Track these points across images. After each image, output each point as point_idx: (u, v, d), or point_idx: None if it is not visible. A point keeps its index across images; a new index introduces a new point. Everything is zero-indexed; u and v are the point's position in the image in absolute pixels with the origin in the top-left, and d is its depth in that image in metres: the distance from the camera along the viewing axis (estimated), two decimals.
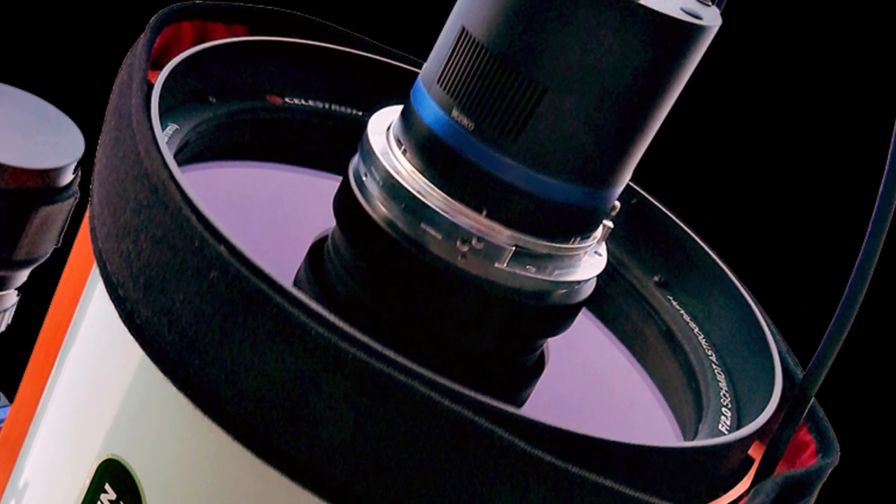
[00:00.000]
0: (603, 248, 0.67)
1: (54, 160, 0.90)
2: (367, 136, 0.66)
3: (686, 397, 0.75)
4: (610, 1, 0.57)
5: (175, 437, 0.60)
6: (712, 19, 0.60)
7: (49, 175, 0.90)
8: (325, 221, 0.68)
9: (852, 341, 0.59)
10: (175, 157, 0.65)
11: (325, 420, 0.52)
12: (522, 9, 0.58)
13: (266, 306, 0.52)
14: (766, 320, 0.74)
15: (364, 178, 0.65)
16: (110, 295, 0.59)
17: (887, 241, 0.57)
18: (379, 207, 0.63)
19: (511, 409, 0.53)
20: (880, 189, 0.56)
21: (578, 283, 0.65)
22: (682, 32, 0.58)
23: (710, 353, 0.76)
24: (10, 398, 1.00)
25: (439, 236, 0.62)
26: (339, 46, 0.81)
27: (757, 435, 0.64)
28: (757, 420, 0.64)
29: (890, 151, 0.55)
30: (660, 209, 0.82)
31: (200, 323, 0.54)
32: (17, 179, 0.88)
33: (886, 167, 0.55)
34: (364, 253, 0.64)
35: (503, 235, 0.62)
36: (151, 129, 0.60)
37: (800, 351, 0.73)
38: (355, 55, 0.82)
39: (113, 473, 0.62)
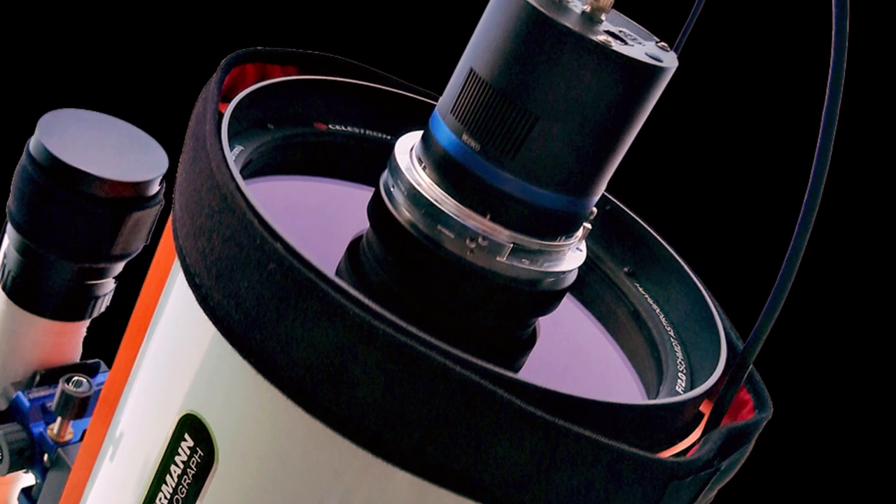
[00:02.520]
0: (583, 245, 0.67)
1: (144, 174, 0.90)
2: (394, 155, 0.65)
3: (649, 364, 0.74)
4: (589, 47, 0.56)
5: (240, 396, 0.60)
6: (671, 62, 0.60)
7: (140, 186, 0.90)
8: (360, 224, 0.68)
9: (784, 320, 0.59)
10: (241, 172, 0.65)
11: (360, 383, 0.52)
12: (519, 54, 0.58)
13: (314, 292, 0.52)
14: (713, 303, 0.74)
15: (392, 189, 0.65)
16: (189, 283, 0.59)
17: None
18: (404, 212, 0.63)
19: (509, 374, 0.53)
20: (803, 203, 0.56)
21: (564, 273, 0.65)
22: (646, 73, 0.58)
23: (668, 329, 0.75)
24: (109, 365, 1.00)
25: (452, 235, 0.62)
26: (372, 83, 0.81)
27: (706, 395, 0.64)
28: (706, 383, 0.64)
29: (813, 168, 0.55)
30: (629, 214, 0.82)
31: (261, 305, 0.54)
32: (114, 190, 0.88)
33: (809, 182, 0.55)
34: (392, 249, 0.64)
35: (503, 235, 0.61)
36: (222, 149, 0.60)
37: (741, 327, 0.73)
38: (385, 90, 0.81)
39: (191, 425, 0.62)
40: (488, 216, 0.61)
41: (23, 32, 1.50)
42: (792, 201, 0.57)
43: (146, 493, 0.66)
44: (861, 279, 1.56)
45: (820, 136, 0.54)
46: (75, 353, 1.03)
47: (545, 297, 0.65)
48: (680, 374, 0.70)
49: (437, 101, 0.65)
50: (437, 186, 0.62)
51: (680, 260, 0.78)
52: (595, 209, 0.66)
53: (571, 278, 0.66)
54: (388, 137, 0.80)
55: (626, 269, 0.81)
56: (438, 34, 1.43)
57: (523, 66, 0.58)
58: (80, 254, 0.92)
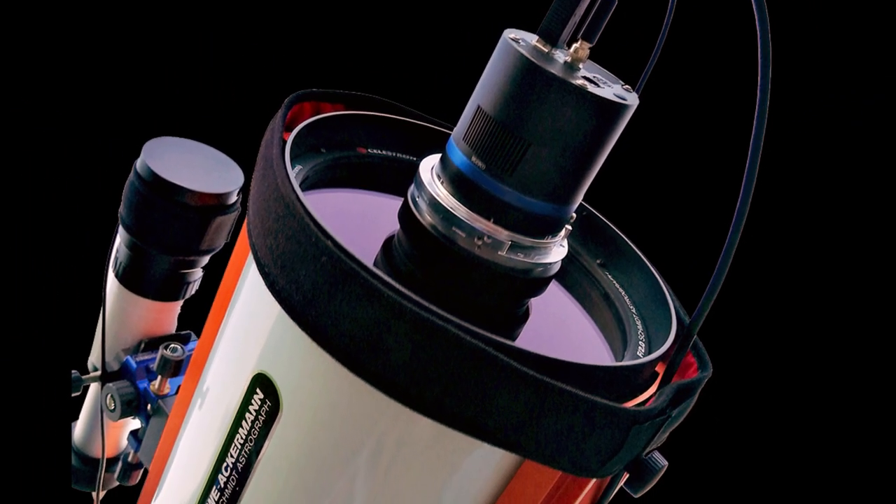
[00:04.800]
0: (565, 242, 0.67)
1: (224, 187, 0.90)
2: (419, 173, 0.66)
3: (616, 335, 0.74)
4: (570, 89, 0.57)
5: (300, 359, 0.60)
6: (633, 101, 0.60)
7: (221, 196, 0.90)
8: (392, 226, 0.68)
9: (721, 301, 0.59)
10: (300, 186, 0.65)
11: (393, 349, 0.53)
12: (515, 94, 0.58)
13: (357, 279, 0.52)
14: (667, 287, 0.74)
15: (417, 199, 0.65)
16: (260, 272, 0.59)
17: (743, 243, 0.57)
18: (426, 217, 0.63)
19: (508, 342, 0.53)
20: (735, 211, 0.56)
21: (550, 264, 0.65)
22: (614, 109, 0.58)
23: (632, 308, 0.75)
24: (197, 335, 1.00)
25: (463, 235, 0.62)
26: (402, 117, 0.81)
27: (661, 358, 0.64)
28: (661, 349, 0.64)
29: (743, 182, 0.55)
30: (601, 218, 0.81)
31: (316, 289, 0.54)
32: (202, 199, 0.89)
33: (740, 194, 0.55)
34: (417, 245, 0.64)
35: (503, 234, 0.62)
36: (285, 168, 0.60)
37: (688, 306, 0.73)
38: (412, 122, 0.81)
39: (261, 382, 0.62)
40: (492, 220, 0.61)
41: (128, 80, 1.52)
42: (727, 210, 0.57)
43: (226, 434, 0.66)
44: (785, 269, 1.56)
45: (749, 151, 0.54)
46: (172, 326, 1.03)
47: (536, 282, 0.65)
48: (640, 342, 0.70)
49: (452, 130, 0.65)
50: (452, 197, 0.62)
51: (640, 254, 0.78)
52: (575, 214, 0.66)
53: (556, 268, 0.66)
54: (415, 159, 0.80)
55: (598, 261, 0.81)
56: (453, 79, 1.44)
57: (518, 103, 0.58)
58: (175, 249, 0.92)
